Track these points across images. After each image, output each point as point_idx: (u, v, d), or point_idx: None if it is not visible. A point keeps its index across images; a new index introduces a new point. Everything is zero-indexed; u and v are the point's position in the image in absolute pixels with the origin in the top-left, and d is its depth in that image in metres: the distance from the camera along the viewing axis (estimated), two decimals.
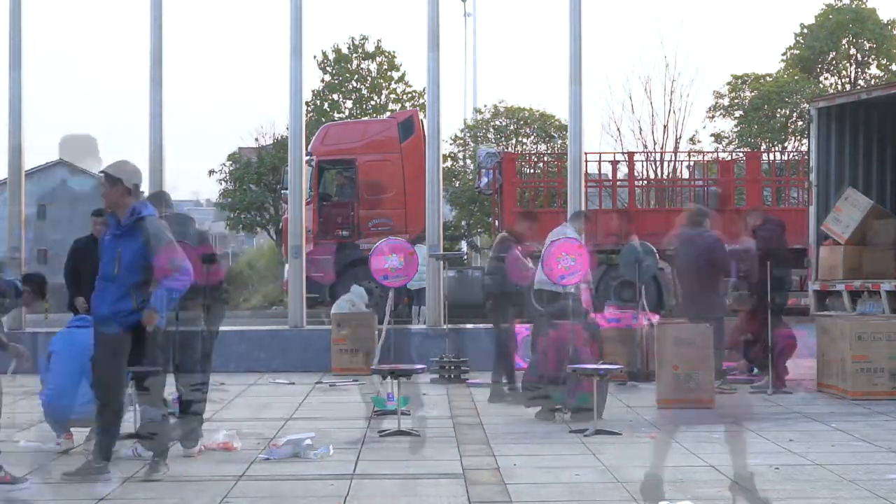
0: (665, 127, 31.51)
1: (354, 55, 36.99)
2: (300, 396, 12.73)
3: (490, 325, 13.34)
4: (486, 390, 12.69)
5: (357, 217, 23.42)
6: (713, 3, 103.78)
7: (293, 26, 16.37)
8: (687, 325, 11.77)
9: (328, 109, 36.00)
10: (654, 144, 31.45)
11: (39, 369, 9.33)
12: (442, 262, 16.51)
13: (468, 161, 30.92)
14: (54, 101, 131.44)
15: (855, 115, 15.97)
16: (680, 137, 31.66)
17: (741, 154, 27.59)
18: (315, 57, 36.81)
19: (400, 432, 9.80)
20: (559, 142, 29.14)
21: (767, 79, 33.20)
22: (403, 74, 37.23)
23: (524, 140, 30.63)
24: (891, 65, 35.65)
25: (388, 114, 33.76)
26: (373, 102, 36.70)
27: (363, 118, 33.65)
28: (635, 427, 10.21)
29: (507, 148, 29.39)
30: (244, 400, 12.59)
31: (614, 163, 23.51)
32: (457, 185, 29.78)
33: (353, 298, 17.33)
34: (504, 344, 12.75)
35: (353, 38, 37.09)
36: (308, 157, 20.99)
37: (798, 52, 36.38)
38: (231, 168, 35.74)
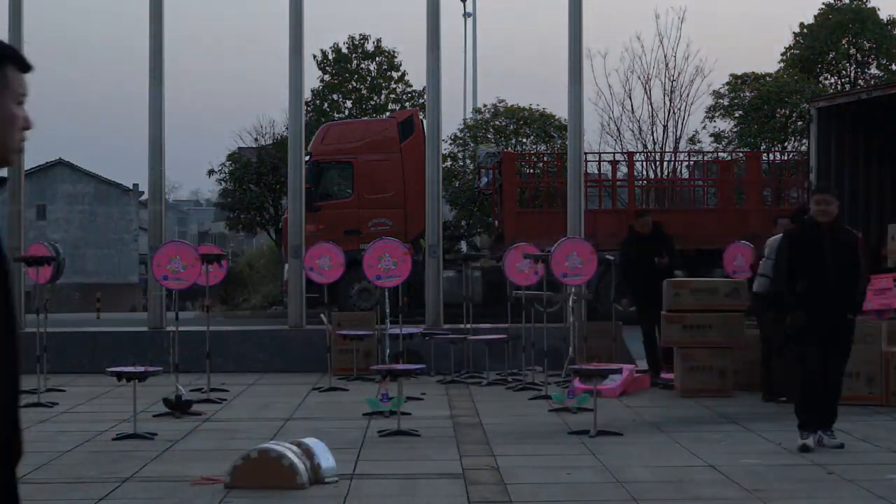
0: (665, 127, 31.50)
1: (354, 55, 36.98)
2: (299, 397, 12.71)
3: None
4: (484, 390, 12.66)
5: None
6: (713, 3, 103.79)
7: (293, 26, 16.37)
8: None
9: (328, 109, 35.99)
10: (654, 144, 31.43)
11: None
12: (440, 262, 16.49)
13: (468, 161, 30.88)
14: (54, 101, 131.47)
15: (855, 115, 15.96)
16: (680, 137, 31.65)
17: (741, 154, 27.55)
18: (315, 57, 36.85)
19: (399, 432, 9.79)
20: (559, 142, 29.10)
21: (767, 79, 33.15)
22: (403, 74, 37.23)
23: (524, 140, 30.57)
24: (891, 65, 35.62)
25: (388, 114, 33.74)
26: (372, 102, 36.69)
27: (363, 118, 33.63)
28: (636, 427, 10.20)
29: (507, 148, 29.36)
30: (244, 400, 12.58)
31: (614, 163, 23.51)
32: (457, 185, 29.74)
33: None
34: None
35: (352, 37, 37.10)
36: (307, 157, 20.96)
37: (798, 51, 36.34)
38: (231, 168, 35.72)
